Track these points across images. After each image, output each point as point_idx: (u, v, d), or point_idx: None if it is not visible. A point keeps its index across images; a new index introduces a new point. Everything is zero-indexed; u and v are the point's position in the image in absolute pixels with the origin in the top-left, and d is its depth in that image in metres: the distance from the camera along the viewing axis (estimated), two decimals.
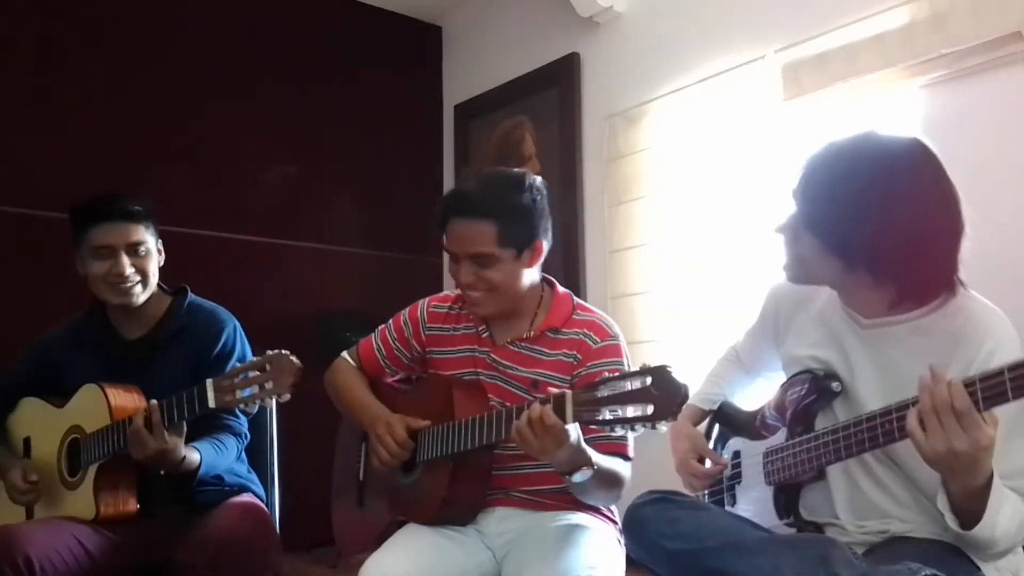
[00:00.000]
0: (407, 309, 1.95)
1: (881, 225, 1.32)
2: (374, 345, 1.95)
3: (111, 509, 1.85)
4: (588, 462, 1.52)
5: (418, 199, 4.26)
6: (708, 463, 1.68)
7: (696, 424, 1.75)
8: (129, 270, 1.94)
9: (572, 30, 3.61)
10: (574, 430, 1.47)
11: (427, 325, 1.90)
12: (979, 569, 1.34)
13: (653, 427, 1.34)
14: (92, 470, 1.87)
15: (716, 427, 1.75)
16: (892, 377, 1.39)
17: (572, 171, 3.60)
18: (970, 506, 1.25)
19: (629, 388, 1.36)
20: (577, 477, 1.53)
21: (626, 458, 1.70)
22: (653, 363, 1.36)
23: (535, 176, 1.77)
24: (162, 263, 2.04)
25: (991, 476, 1.22)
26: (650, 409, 1.33)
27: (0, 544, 1.69)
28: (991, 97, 2.34)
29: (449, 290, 1.95)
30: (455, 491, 1.69)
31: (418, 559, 1.62)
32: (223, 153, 3.61)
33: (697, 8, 3.15)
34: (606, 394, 1.39)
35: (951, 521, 1.28)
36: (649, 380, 1.34)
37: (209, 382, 1.74)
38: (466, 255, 1.71)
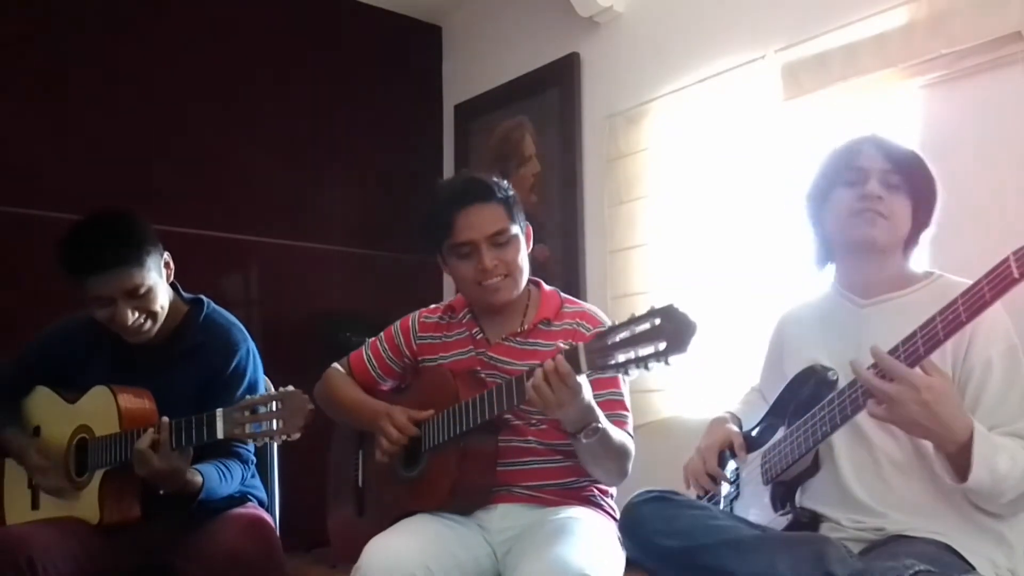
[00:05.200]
0: (397, 321, 1.99)
1: None
2: (365, 357, 1.98)
3: (115, 516, 1.86)
4: (596, 419, 1.57)
5: (418, 199, 4.25)
6: (728, 464, 1.68)
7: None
8: (132, 317, 1.86)
9: (572, 30, 3.61)
10: (585, 383, 1.51)
11: (418, 335, 1.94)
12: (974, 568, 1.34)
13: (667, 362, 1.36)
14: (98, 475, 1.87)
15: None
16: (895, 341, 1.41)
17: (572, 171, 3.59)
18: (963, 462, 1.30)
19: (640, 329, 1.39)
20: (584, 437, 1.57)
21: (628, 435, 1.74)
22: (659, 305, 1.38)
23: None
24: (171, 278, 1.97)
25: (972, 431, 1.29)
26: (662, 345, 1.36)
27: (3, 545, 1.71)
28: (991, 97, 2.34)
29: (440, 303, 2.00)
30: (465, 475, 1.70)
31: (423, 542, 1.63)
32: (222, 153, 3.61)
33: (697, 8, 3.14)
34: (617, 339, 1.42)
35: (948, 477, 1.34)
36: (659, 320, 1.37)
37: (219, 412, 1.73)
38: (486, 237, 1.77)
